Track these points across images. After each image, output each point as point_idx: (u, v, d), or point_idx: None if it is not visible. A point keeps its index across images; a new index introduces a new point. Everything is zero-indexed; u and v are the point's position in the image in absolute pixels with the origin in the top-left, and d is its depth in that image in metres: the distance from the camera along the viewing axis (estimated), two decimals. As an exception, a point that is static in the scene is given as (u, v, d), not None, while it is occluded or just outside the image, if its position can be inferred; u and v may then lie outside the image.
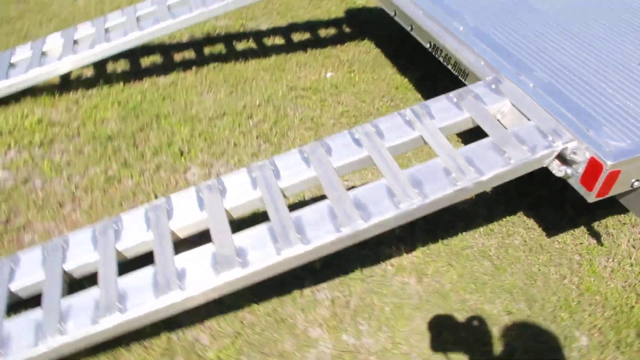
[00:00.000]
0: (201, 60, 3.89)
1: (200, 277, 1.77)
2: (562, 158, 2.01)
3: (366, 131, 2.15)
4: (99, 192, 2.78)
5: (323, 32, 4.39)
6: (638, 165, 1.95)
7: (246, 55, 3.98)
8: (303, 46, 4.14)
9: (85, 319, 1.72)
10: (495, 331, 2.20)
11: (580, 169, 1.97)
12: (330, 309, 2.27)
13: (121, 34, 3.35)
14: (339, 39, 4.27)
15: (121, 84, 3.57)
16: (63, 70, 3.31)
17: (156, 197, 2.73)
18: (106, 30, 3.44)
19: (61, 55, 3.29)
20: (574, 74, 2.34)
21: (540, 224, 2.70)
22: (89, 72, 3.69)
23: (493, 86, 2.26)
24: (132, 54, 3.81)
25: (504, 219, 2.71)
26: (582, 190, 1.99)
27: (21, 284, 1.90)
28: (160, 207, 2.00)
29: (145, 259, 1.86)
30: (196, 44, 4.09)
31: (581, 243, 2.62)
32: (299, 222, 1.85)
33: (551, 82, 2.27)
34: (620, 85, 2.27)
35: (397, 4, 3.08)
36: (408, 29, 3.03)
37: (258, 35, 4.27)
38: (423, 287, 2.37)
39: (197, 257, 1.83)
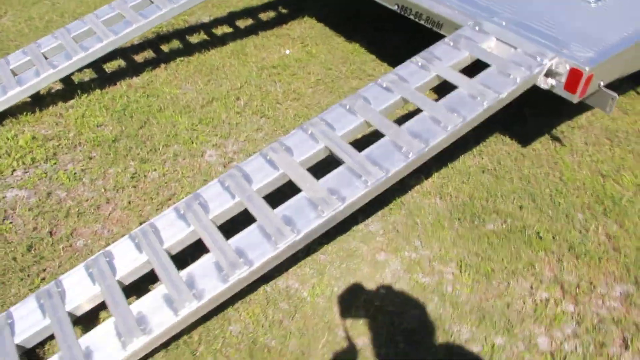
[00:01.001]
0: (165, 58, 3.96)
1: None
2: (547, 73, 2.51)
3: (358, 105, 2.50)
4: (129, 188, 2.85)
5: (264, 16, 4.61)
6: (602, 69, 2.49)
7: (204, 46, 4.11)
8: (251, 31, 4.35)
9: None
10: (516, 221, 2.69)
11: (563, 79, 2.48)
12: (384, 236, 2.61)
13: (95, 40, 3.36)
14: (281, 20, 4.52)
15: (97, 90, 3.56)
16: (44, 85, 3.26)
17: (186, 187, 2.87)
18: (75, 40, 3.43)
19: (38, 71, 3.24)
20: (530, 10, 2.85)
21: (514, 138, 3.24)
22: (57, 85, 3.62)
23: (477, 28, 2.70)
24: (93, 63, 3.78)
25: (486, 140, 3.21)
26: (567, 94, 2.50)
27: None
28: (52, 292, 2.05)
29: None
30: (152, 44, 4.13)
31: (549, 147, 3.19)
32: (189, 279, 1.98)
33: (516, 19, 2.76)
34: (567, 14, 2.81)
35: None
36: (370, -5, 3.40)
37: (206, 28, 4.39)
38: (448, 202, 2.79)
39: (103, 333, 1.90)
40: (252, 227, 2.08)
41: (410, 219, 2.70)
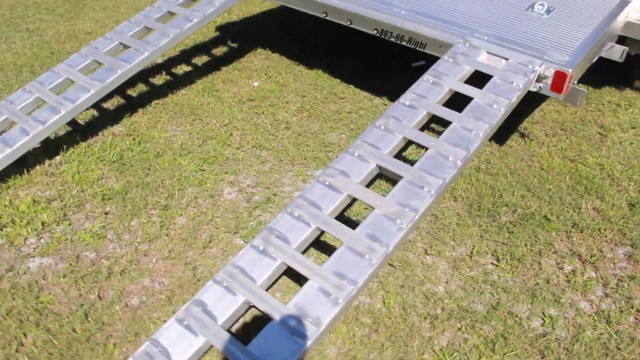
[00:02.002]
0: (138, 102, 3.83)
1: None
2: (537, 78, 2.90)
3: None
4: (163, 237, 2.76)
5: (218, 52, 4.62)
6: (577, 69, 2.92)
7: (172, 87, 4.04)
8: (213, 67, 4.35)
9: None
10: (524, 209, 3.03)
11: (549, 81, 2.88)
12: (423, 242, 2.81)
13: (79, 90, 3.19)
14: (236, 54, 4.57)
15: (82, 143, 3.37)
16: (34, 143, 3.04)
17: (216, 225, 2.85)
18: (54, 92, 3.24)
19: (25, 129, 3.01)
20: (500, 25, 3.23)
21: (491, 139, 3.62)
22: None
23: (467, 45, 3.03)
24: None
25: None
26: (554, 94, 2.90)
27: None
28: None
29: None
30: (117, 89, 3.96)
31: (521, 143, 3.61)
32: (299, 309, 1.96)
33: (494, 33, 3.13)
34: (530, 26, 3.23)
35: (332, 5, 3.57)
36: (347, 23, 3.60)
37: (165, 68, 4.32)
38: (462, 203, 3.07)
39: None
40: (342, 250, 2.17)
41: (438, 223, 2.93)
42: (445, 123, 2.64)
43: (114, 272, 2.56)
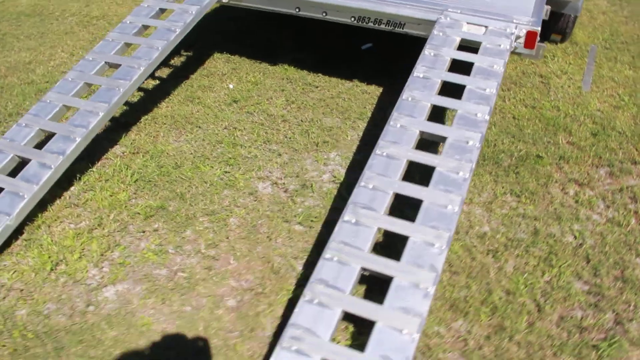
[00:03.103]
0: (126, 121, 3.69)
1: None
2: (511, 39, 3.33)
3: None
4: (225, 240, 2.79)
5: (177, 61, 4.54)
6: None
7: (152, 101, 3.92)
8: (181, 77, 4.28)
9: None
10: (518, 152, 3.48)
11: (522, 40, 3.33)
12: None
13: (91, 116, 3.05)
14: (196, 61, 4.53)
15: (92, 170, 3.22)
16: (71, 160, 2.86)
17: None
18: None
19: (63, 149, 2.86)
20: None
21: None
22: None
23: (448, 19, 3.38)
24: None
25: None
26: (527, 51, 3.35)
27: None
28: None
29: None
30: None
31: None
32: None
33: (464, 7, 3.50)
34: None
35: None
36: (321, 15, 3.77)
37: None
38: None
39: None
40: (412, 241, 2.25)
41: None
42: (458, 88, 2.98)
43: (196, 282, 2.56)
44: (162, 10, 3.81)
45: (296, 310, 2.06)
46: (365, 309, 2.10)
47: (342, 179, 3.21)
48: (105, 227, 2.84)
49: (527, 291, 2.58)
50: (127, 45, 3.56)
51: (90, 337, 2.31)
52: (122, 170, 3.23)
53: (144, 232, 2.83)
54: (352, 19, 3.70)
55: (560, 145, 3.55)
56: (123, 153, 3.40)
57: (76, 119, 3.05)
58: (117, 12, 5.51)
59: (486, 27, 3.34)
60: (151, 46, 3.43)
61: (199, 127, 3.67)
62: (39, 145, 3.00)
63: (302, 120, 3.75)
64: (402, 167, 2.59)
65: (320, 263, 2.22)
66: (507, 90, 4.19)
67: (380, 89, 4.12)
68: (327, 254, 2.25)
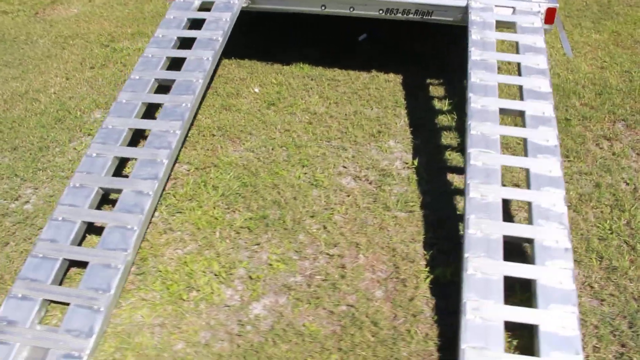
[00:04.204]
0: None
1: None
2: (534, 16, 3.62)
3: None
4: (341, 237, 2.81)
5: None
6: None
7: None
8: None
9: None
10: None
11: (543, 17, 3.64)
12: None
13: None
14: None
15: (167, 193, 3.05)
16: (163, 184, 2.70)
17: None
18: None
19: (155, 173, 2.69)
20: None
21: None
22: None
23: (478, 3, 3.59)
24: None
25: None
26: (547, 26, 3.67)
27: None
28: None
29: None
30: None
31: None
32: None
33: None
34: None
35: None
36: (348, 11, 3.82)
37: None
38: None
39: None
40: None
41: (510, 146, 3.53)
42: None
43: (336, 281, 2.57)
44: (191, 21, 3.65)
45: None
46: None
47: (415, 163, 3.33)
48: (216, 247, 2.74)
49: (615, 235, 2.89)
50: (169, 59, 3.39)
51: (264, 356, 2.25)
52: (200, 187, 3.10)
53: (258, 244, 2.77)
54: (380, 11, 3.81)
55: (578, 108, 3.92)
56: (188, 170, 3.26)
57: (154, 141, 2.89)
58: (90, 29, 5.13)
59: (514, 7, 3.60)
60: (200, 57, 3.30)
61: (251, 134, 3.60)
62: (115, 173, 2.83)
63: (346, 114, 3.80)
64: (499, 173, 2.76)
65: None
66: (508, 64, 4.52)
67: (400, 76, 4.26)
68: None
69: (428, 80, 4.23)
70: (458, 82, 4.17)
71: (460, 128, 3.66)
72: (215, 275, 2.59)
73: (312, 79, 4.24)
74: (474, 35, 3.37)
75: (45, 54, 4.67)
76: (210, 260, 2.67)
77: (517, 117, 3.11)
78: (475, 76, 3.11)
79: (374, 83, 4.18)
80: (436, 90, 4.13)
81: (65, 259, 2.48)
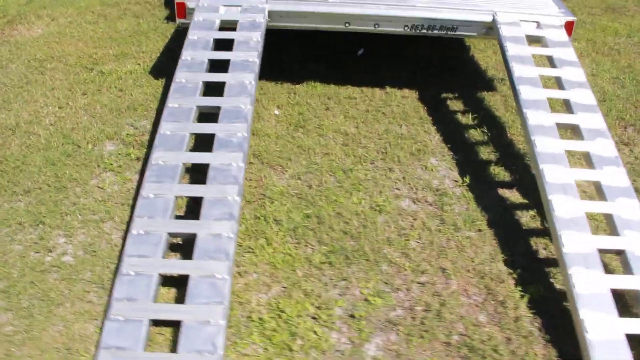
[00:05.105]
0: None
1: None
2: (553, 30, 3.76)
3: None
4: (422, 260, 2.72)
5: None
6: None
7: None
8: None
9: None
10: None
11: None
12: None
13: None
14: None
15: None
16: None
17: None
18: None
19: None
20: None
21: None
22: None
23: (505, 18, 3.65)
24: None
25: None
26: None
27: None
28: None
29: None
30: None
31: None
32: None
33: (505, 5, 3.80)
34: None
35: (355, 13, 3.69)
36: (373, 28, 3.75)
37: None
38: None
39: None
40: None
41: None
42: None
43: (438, 311, 2.48)
44: (217, 41, 3.41)
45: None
46: None
47: (466, 180, 3.31)
48: (302, 286, 2.55)
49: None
50: (205, 84, 3.14)
51: (396, 399, 2.12)
52: (261, 222, 2.89)
53: (345, 279, 2.61)
54: (406, 27, 3.78)
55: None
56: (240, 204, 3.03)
57: (217, 177, 2.65)
58: (64, 51, 4.66)
59: (538, 22, 3.71)
60: (242, 81, 3.09)
61: (289, 159, 3.41)
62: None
63: (379, 134, 3.72)
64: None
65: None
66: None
67: (415, 92, 4.25)
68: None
69: (443, 95, 4.26)
70: (474, 94, 4.24)
71: (495, 142, 3.71)
72: (314, 318, 2.41)
73: (328, 98, 4.12)
74: (510, 50, 3.43)
75: (22, 80, 4.18)
76: (303, 302, 2.47)
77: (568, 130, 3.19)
78: (525, 92, 3.15)
79: (393, 100, 4.14)
80: (454, 104, 4.17)
81: (151, 320, 2.19)
